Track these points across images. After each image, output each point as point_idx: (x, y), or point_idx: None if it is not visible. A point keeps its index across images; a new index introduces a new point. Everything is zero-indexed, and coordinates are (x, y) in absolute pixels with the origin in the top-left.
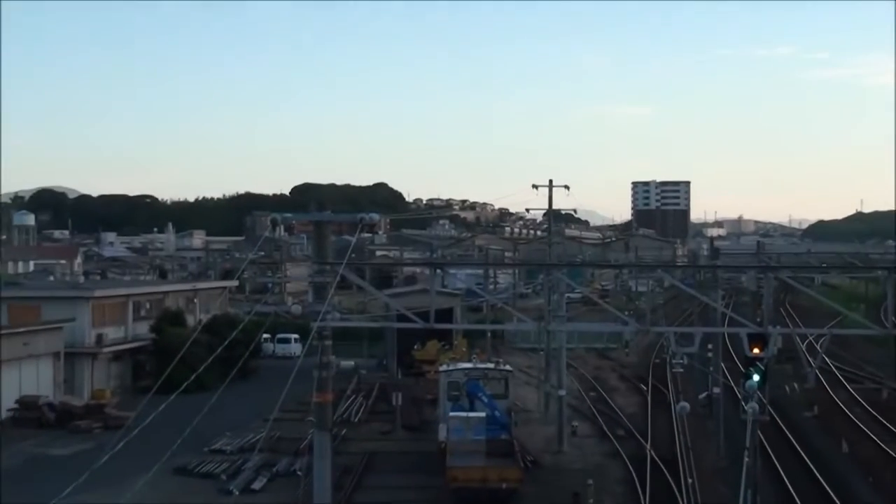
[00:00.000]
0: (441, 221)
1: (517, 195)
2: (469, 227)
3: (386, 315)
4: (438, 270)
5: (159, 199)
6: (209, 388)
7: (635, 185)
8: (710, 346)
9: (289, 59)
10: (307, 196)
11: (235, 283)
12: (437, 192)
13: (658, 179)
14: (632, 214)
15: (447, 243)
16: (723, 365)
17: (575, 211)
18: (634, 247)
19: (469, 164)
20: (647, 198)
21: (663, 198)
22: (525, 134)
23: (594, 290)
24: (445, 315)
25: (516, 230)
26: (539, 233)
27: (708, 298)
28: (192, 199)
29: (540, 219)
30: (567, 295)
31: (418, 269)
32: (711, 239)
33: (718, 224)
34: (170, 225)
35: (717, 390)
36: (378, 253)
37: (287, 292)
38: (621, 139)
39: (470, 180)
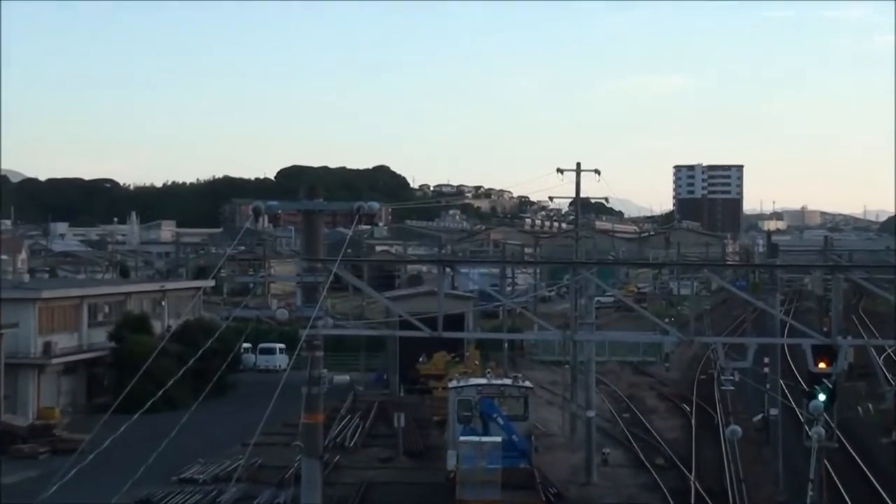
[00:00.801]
0: (451, 211)
1: (539, 181)
2: (483, 219)
3: (387, 321)
4: (448, 269)
5: (121, 183)
6: (179, 407)
7: (678, 169)
8: (766, 360)
9: (274, 23)
10: (295, 181)
11: (211, 282)
12: (447, 176)
13: (705, 163)
14: (673, 204)
15: (458, 237)
16: (782, 382)
17: (606, 200)
18: (676, 242)
19: (483, 145)
20: (691, 184)
21: (711, 184)
22: (549, 110)
23: (629, 294)
24: (456, 322)
25: (538, 222)
26: (564, 225)
27: (764, 303)
28: (159, 185)
29: (566, 209)
30: (597, 299)
31: (424, 268)
32: (768, 233)
33: (777, 216)
34: (133, 214)
35: (774, 412)
36: (378, 248)
37: (271, 294)
38: (660, 116)
39: (484, 164)
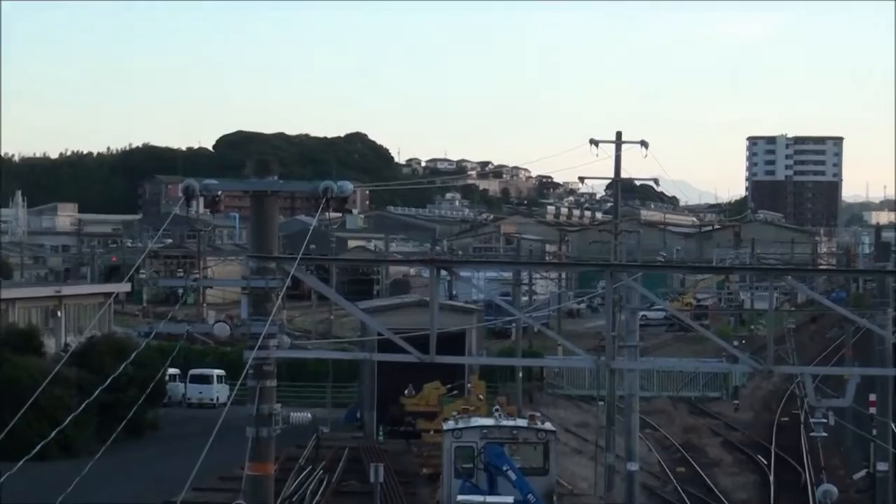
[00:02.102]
0: (449, 195)
1: (566, 157)
2: (492, 205)
3: (362, 341)
4: (444, 272)
5: (2, 154)
6: (79, 453)
7: (753, 142)
8: (872, 398)
9: None
10: (241, 152)
11: (126, 287)
12: (443, 149)
13: (790, 134)
14: (746, 188)
15: (458, 230)
16: (893, 426)
17: (656, 182)
18: (750, 239)
19: (492, 108)
20: (771, 162)
21: (799, 163)
22: (576, 65)
23: (685, 307)
24: (454, 342)
25: (564, 210)
26: (600, 215)
27: (870, 322)
28: (55, 156)
29: (601, 193)
30: (642, 314)
31: (413, 271)
32: (877, 227)
33: (889, 205)
34: (18, 195)
35: (883, 467)
36: (351, 244)
37: (207, 304)
38: (731, 71)
39: (493, 133)
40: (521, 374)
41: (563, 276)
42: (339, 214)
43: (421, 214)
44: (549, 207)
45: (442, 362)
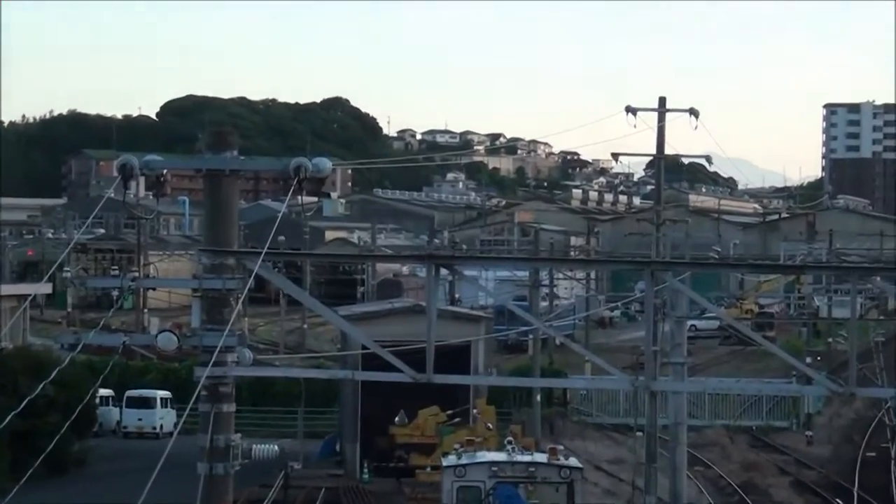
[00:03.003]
0: (451, 175)
1: (596, 129)
2: (504, 187)
3: (343, 356)
4: (444, 271)
5: None
6: None
7: (831, 111)
8: None
9: None
10: (192, 121)
11: (46, 288)
12: (443, 119)
13: (876, 101)
14: (823, 167)
15: (462, 219)
16: None
17: (709, 160)
18: (828, 231)
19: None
20: (854, 136)
21: (889, 136)
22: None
23: (745, 315)
24: (456, 358)
25: (593, 193)
26: (638, 200)
27: None
28: None
29: (640, 173)
30: (691, 323)
31: (405, 269)
32: None
33: None
34: None
35: None
36: (329, 235)
37: (149, 309)
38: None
39: (504, 101)
40: (539, 398)
41: (593, 276)
42: (315, 199)
43: (416, 199)
44: (574, 191)
45: (441, 383)
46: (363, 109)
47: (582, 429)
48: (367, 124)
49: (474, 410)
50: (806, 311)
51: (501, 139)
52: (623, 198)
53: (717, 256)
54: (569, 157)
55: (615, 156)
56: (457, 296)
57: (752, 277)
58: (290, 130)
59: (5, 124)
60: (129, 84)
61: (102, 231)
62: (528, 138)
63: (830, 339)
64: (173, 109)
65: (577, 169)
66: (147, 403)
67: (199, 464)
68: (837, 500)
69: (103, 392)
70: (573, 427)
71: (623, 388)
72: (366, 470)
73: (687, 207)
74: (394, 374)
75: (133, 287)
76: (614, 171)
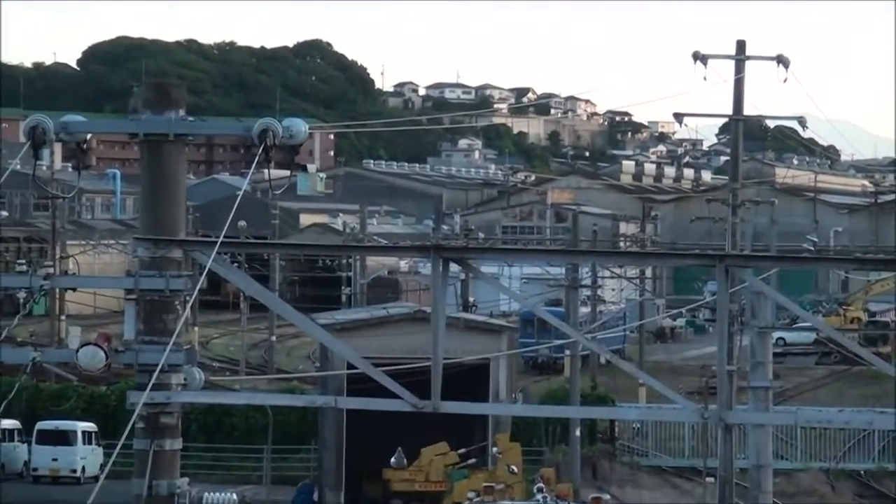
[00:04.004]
0: (465, 141)
1: (652, 83)
2: (533, 157)
3: (322, 377)
4: (454, 267)
5: None
6: None
7: None
8: None
9: None
10: (125, 71)
11: None
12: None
13: None
14: None
15: (479, 198)
16: None
17: (803, 123)
18: None
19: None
20: None
21: None
22: None
23: (849, 324)
24: (470, 380)
25: (649, 166)
26: (708, 175)
27: None
28: None
29: (710, 140)
30: (777, 336)
31: (404, 263)
32: None
33: None
34: None
35: None
36: (306, 220)
37: (68, 315)
38: None
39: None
40: (578, 433)
41: (649, 273)
42: (287, 173)
43: (418, 173)
44: (625, 163)
45: (451, 412)
46: (349, 56)
47: (634, 473)
48: (355, 76)
49: (494, 449)
50: None
51: (530, 95)
52: (689, 172)
53: (812, 248)
54: (618, 119)
55: (679, 117)
56: (471, 300)
57: (860, 276)
58: (254, 83)
59: None
60: (41, 23)
61: (5, 214)
62: (564, 94)
63: None
64: (100, 56)
65: (629, 134)
66: (64, 439)
67: None
68: None
69: (6, 424)
70: (623, 470)
71: (689, 421)
72: None
73: (773, 184)
74: (389, 401)
75: (46, 287)
76: (677, 136)
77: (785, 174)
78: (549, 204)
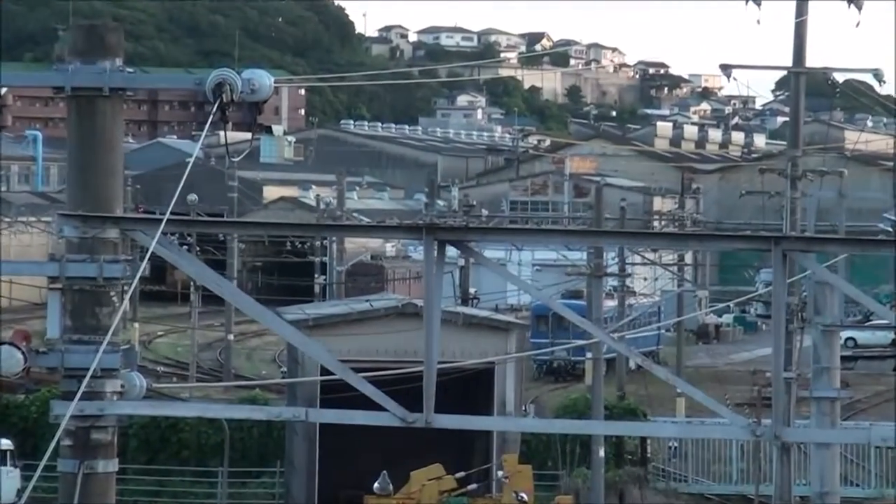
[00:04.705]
0: (465, 98)
1: (692, 29)
2: (548, 118)
3: (290, 385)
4: (452, 250)
5: None
6: None
7: None
8: None
9: None
10: (46, 10)
11: None
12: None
13: None
14: None
15: (483, 167)
16: None
17: (879, 76)
18: None
19: None
20: None
21: None
22: None
23: None
24: (472, 388)
25: (690, 128)
26: (762, 139)
27: None
28: None
29: (764, 97)
30: (847, 336)
31: (391, 246)
32: None
33: None
34: None
35: None
36: (271, 193)
37: None
38: None
39: None
40: (602, 453)
41: (689, 259)
42: (248, 136)
43: (408, 136)
44: (660, 124)
45: (447, 428)
46: None
47: (670, 502)
48: (331, 18)
49: (500, 472)
50: None
51: (544, 42)
52: (738, 136)
53: (890, 229)
54: (651, 72)
55: (726, 69)
56: (472, 290)
57: None
58: (207, 27)
59: None
60: None
61: None
62: (585, 41)
63: None
64: None
65: (665, 90)
66: None
67: None
68: None
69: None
70: (656, 499)
71: (738, 439)
72: None
73: (842, 151)
74: (371, 413)
75: None
76: (724, 93)
77: (857, 139)
78: (567, 174)
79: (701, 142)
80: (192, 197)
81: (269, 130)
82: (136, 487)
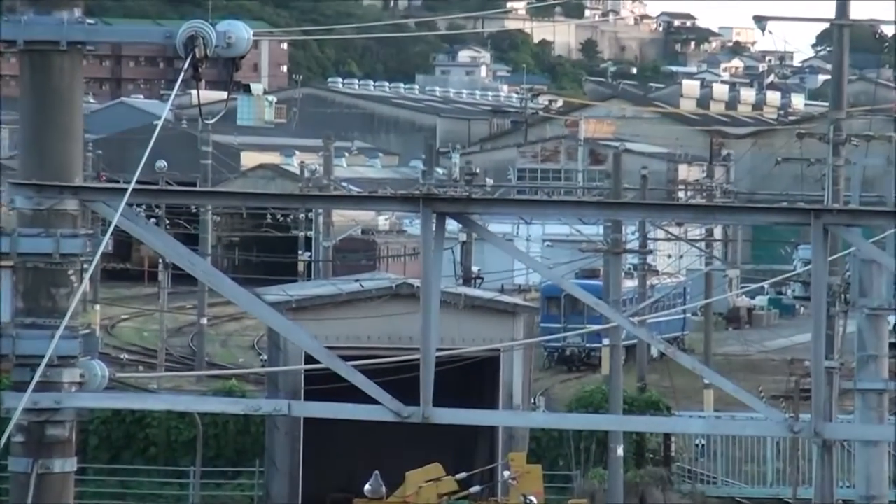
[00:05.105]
0: (467, 53)
1: None
2: (560, 76)
3: (270, 374)
4: (452, 224)
5: None
6: None
7: None
8: None
9: None
10: None
11: None
12: None
13: None
14: None
15: (488, 132)
16: None
17: None
18: None
19: None
20: None
21: None
22: None
23: None
24: (474, 378)
25: (720, 87)
26: (800, 100)
27: None
28: None
29: (805, 53)
30: None
31: (383, 220)
32: None
33: None
34: None
35: None
36: (249, 159)
37: None
38: None
39: None
40: (621, 452)
41: (718, 234)
42: (223, 95)
43: (405, 96)
44: (686, 83)
45: (447, 423)
46: None
47: None
48: None
49: (506, 473)
50: None
51: None
52: (774, 95)
53: None
54: (677, 24)
55: (761, 22)
56: (475, 270)
57: None
58: None
59: None
60: None
61: None
62: None
63: None
64: None
65: (692, 45)
66: None
67: None
68: None
69: None
70: (681, 502)
71: (773, 436)
72: None
73: (890, 113)
74: (362, 407)
75: None
76: (759, 48)
77: None
78: (581, 139)
79: (732, 102)
80: (161, 164)
81: (247, 89)
82: (98, 490)
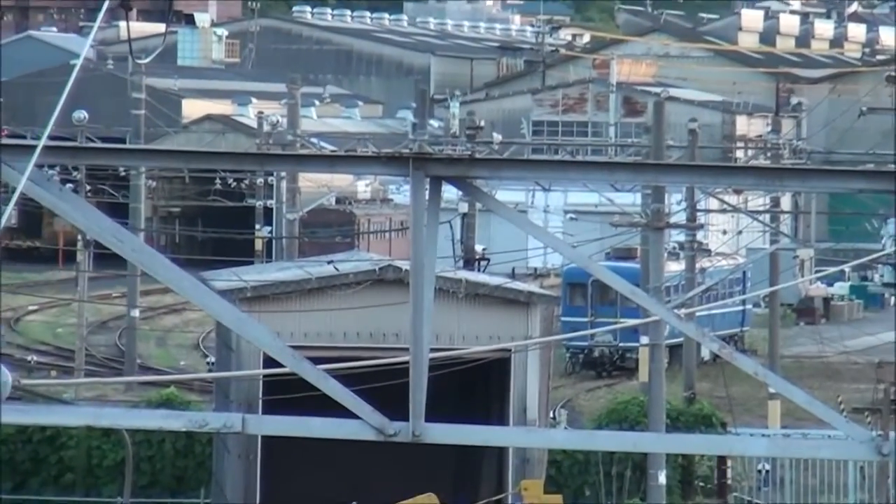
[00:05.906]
0: None
1: None
2: (584, 5)
3: (219, 380)
4: (451, 190)
5: None
6: None
7: None
8: None
9: None
10: None
11: None
12: None
13: None
14: None
15: (495, 75)
16: None
17: None
18: None
19: None
20: None
21: None
22: None
23: None
24: (478, 385)
25: (788, 19)
26: (892, 38)
27: None
28: None
29: None
30: None
31: (364, 185)
32: None
33: None
34: None
35: None
36: (194, 108)
37: None
38: None
39: None
40: (663, 478)
41: (786, 205)
42: (161, 28)
43: (390, 29)
44: (745, 13)
45: (443, 443)
46: None
47: None
48: None
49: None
50: None
51: None
52: (858, 29)
53: None
54: None
55: None
56: (480, 249)
57: None
58: None
59: None
60: None
61: None
62: None
63: None
64: None
65: None
66: None
67: None
68: None
69: None
70: None
71: (856, 459)
72: None
73: None
74: (337, 422)
75: None
76: None
77: None
78: (613, 84)
79: (804, 38)
80: (81, 114)
81: (189, 20)
82: None
